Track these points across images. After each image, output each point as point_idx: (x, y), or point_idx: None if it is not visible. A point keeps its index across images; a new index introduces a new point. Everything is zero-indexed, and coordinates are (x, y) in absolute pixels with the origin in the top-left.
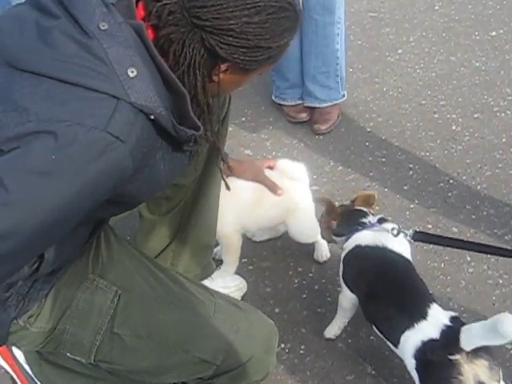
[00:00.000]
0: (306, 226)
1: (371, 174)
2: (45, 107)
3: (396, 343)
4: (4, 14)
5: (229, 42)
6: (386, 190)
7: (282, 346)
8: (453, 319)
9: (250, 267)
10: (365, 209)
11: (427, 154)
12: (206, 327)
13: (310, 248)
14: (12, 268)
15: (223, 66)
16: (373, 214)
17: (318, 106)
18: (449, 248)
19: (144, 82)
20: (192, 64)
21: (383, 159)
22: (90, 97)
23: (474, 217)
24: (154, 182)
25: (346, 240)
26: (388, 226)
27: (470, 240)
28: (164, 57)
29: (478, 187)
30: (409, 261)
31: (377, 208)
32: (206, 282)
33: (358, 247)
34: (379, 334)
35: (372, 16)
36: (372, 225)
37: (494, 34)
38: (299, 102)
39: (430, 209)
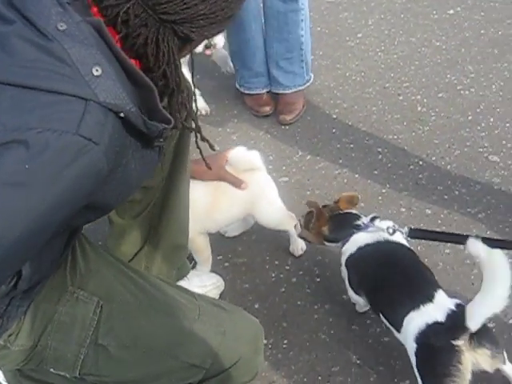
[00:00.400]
0: (274, 213)
1: (340, 161)
2: (11, 116)
3: (399, 327)
4: None
5: (200, 25)
6: (356, 176)
7: (265, 341)
8: (458, 305)
9: (226, 264)
10: (354, 211)
11: (395, 137)
12: (192, 331)
13: (285, 240)
14: None
15: (193, 44)
16: (364, 215)
17: (282, 92)
18: None
19: (110, 80)
20: (171, 57)
21: (351, 145)
22: (57, 101)
23: (446, 197)
24: (127, 183)
25: (343, 245)
26: (382, 224)
27: (467, 234)
28: (141, 60)
29: (448, 167)
30: (411, 249)
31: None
32: (183, 282)
33: (359, 249)
34: (385, 321)
35: (329, 1)
36: (366, 226)
37: (451, 12)
38: (264, 90)
39: (401, 192)
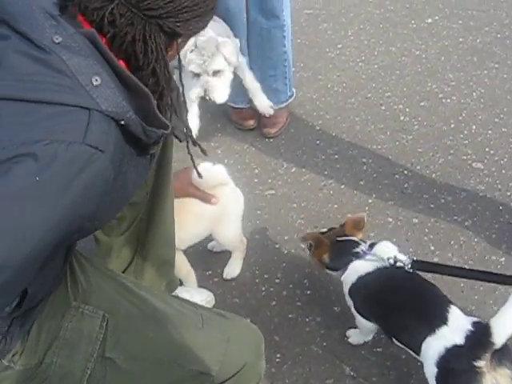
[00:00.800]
0: (233, 230)
1: (325, 172)
2: (16, 130)
3: (418, 351)
4: None
5: (185, 19)
6: (342, 187)
7: None
8: (475, 324)
9: (216, 279)
10: (354, 237)
11: (379, 146)
12: (198, 340)
13: (274, 253)
14: (4, 303)
15: (179, 40)
16: (364, 242)
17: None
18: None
19: (109, 89)
20: (160, 54)
21: (336, 156)
22: (60, 112)
23: (432, 206)
24: (125, 192)
25: (342, 273)
26: (383, 248)
27: (473, 268)
28: (130, 60)
29: (433, 175)
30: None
31: (335, 206)
32: None
33: (360, 278)
34: (401, 345)
35: (308, 13)
36: (366, 253)
37: (429, 21)
38: (248, 105)
39: (388, 202)
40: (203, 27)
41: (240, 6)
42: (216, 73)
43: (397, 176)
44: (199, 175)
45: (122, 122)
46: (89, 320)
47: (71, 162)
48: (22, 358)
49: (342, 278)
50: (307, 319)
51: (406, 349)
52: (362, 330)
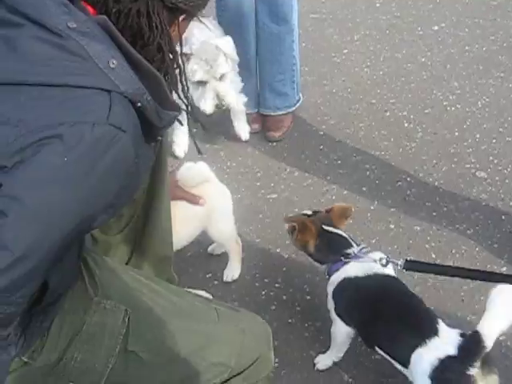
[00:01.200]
0: (226, 225)
1: (328, 177)
2: (39, 114)
3: (406, 363)
4: None
5: None
6: (344, 192)
7: None
8: (462, 334)
9: (216, 282)
10: (344, 234)
11: (382, 153)
12: (216, 333)
13: (275, 257)
14: (28, 292)
15: (181, 18)
16: (356, 243)
17: (272, 114)
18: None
19: (125, 71)
20: (164, 29)
21: (339, 162)
22: (82, 95)
23: (434, 214)
24: (138, 179)
25: (332, 272)
26: (375, 255)
27: (465, 267)
28: (134, 39)
29: (436, 183)
30: (400, 281)
31: None
32: None
33: (347, 279)
34: (385, 355)
35: (314, 17)
36: (357, 256)
37: (436, 28)
38: (254, 111)
39: (390, 209)
40: (203, 4)
41: (251, 10)
42: (222, 77)
43: (400, 183)
44: (199, 152)
45: (139, 104)
46: (111, 314)
47: (97, 142)
48: (42, 354)
49: (326, 275)
50: (306, 324)
51: (389, 358)
52: (336, 340)
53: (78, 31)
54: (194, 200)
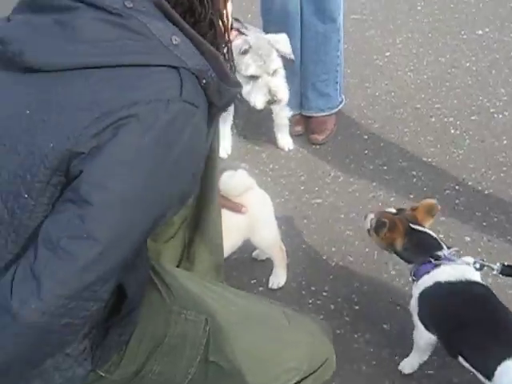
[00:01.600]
0: (269, 232)
1: (374, 183)
2: (113, 95)
3: (490, 375)
4: (8, 25)
5: None
6: (391, 199)
7: None
8: None
9: (261, 288)
10: (434, 234)
11: (429, 160)
12: (289, 337)
13: (321, 265)
14: (110, 288)
15: None
16: (447, 246)
17: (315, 115)
18: None
19: (189, 48)
20: (215, 4)
21: (384, 167)
22: (151, 73)
23: (485, 224)
24: (200, 166)
25: (419, 275)
26: (467, 259)
27: None
28: (186, 16)
29: (486, 192)
30: (489, 288)
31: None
32: None
33: (437, 284)
34: (468, 366)
35: (355, 18)
36: (448, 258)
37: (480, 32)
38: (296, 112)
39: (439, 218)
40: None
41: (297, 9)
42: (274, 72)
43: (448, 191)
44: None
45: (204, 81)
46: (192, 325)
47: (173, 119)
48: (120, 367)
49: (412, 276)
50: (356, 335)
51: (472, 369)
52: (418, 344)
53: (135, 10)
54: (236, 208)
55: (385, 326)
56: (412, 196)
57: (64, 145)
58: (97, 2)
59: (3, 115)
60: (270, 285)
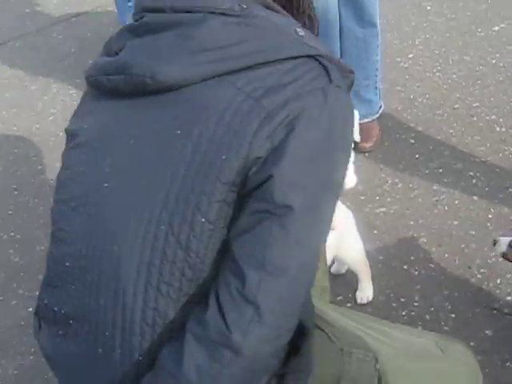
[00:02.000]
0: (355, 248)
1: (434, 187)
2: (266, 95)
3: None
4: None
5: None
6: (456, 202)
7: None
8: None
9: (349, 304)
10: None
11: (482, 159)
12: (446, 369)
13: (404, 275)
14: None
15: None
16: None
17: (360, 122)
18: None
19: (312, 37)
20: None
21: (440, 170)
22: (295, 66)
23: None
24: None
25: None
26: None
27: None
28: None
29: None
30: None
31: (455, 223)
32: None
33: None
34: None
35: None
36: None
37: (496, 28)
38: None
39: (509, 217)
40: None
41: (337, 17)
42: None
43: (511, 189)
44: None
45: (335, 66)
46: (364, 365)
47: (333, 106)
48: None
49: None
50: None
51: None
52: None
53: (252, 10)
54: None
55: (487, 332)
56: (476, 198)
57: (238, 153)
58: (216, 9)
59: (154, 143)
60: (358, 300)
